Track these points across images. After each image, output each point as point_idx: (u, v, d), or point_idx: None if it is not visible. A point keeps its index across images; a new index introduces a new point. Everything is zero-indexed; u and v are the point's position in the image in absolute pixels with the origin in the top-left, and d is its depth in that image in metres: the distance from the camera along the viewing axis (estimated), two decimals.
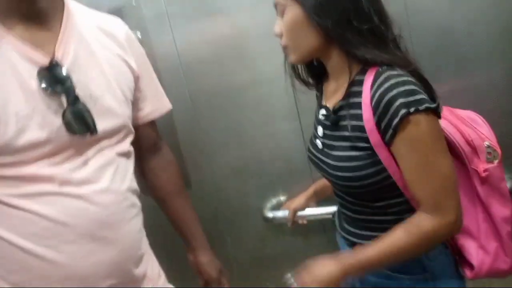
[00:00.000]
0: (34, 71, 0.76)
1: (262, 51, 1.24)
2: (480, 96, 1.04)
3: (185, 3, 1.27)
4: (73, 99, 0.78)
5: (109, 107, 0.85)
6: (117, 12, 1.31)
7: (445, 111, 0.89)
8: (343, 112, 0.84)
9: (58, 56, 0.79)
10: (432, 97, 0.78)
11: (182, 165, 1.40)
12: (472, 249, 0.85)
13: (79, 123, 0.79)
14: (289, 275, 0.92)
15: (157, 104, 1.03)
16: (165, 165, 1.11)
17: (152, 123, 1.06)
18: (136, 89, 0.95)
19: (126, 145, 0.91)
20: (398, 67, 0.78)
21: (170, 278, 1.04)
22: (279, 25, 0.85)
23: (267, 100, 1.27)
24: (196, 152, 1.40)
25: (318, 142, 0.92)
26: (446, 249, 0.88)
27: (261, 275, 1.44)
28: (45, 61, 0.77)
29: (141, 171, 1.08)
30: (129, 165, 0.92)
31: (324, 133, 0.90)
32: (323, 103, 0.94)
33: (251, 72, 1.27)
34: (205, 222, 1.44)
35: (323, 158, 0.89)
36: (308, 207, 1.24)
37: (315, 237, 1.36)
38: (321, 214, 1.25)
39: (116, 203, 0.84)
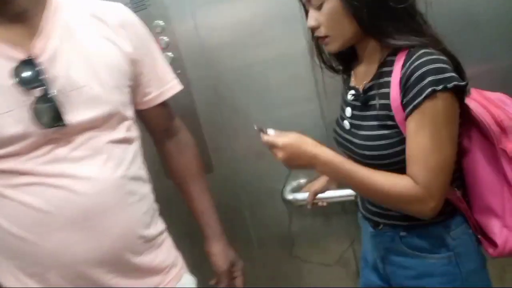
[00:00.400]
0: (10, 68, 0.78)
1: (283, 34, 1.25)
2: (507, 78, 1.04)
3: None
4: (44, 93, 0.79)
5: (96, 96, 0.84)
6: (140, 1, 1.33)
7: (474, 93, 0.90)
8: (372, 92, 0.87)
9: (35, 51, 0.80)
10: (462, 76, 0.79)
11: (204, 148, 1.44)
12: (496, 228, 0.87)
13: (48, 117, 0.79)
14: (255, 126, 0.92)
15: (164, 87, 1.01)
16: (181, 149, 1.10)
17: (163, 107, 1.03)
18: (138, 73, 0.94)
19: (121, 131, 0.89)
20: (430, 47, 0.80)
21: (194, 266, 1.05)
22: (313, 17, 0.87)
23: (288, 83, 1.29)
24: (217, 135, 1.42)
25: (346, 123, 0.94)
26: (469, 229, 0.90)
27: (281, 256, 1.48)
28: (21, 57, 0.79)
29: (160, 155, 1.11)
30: (128, 152, 0.90)
31: (352, 114, 0.93)
32: (352, 84, 0.96)
33: (271, 55, 1.28)
34: (226, 205, 1.48)
35: (351, 138, 0.91)
36: (329, 189, 1.26)
37: (335, 219, 1.38)
38: (341, 196, 1.27)
39: (106, 192, 0.84)
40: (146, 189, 0.94)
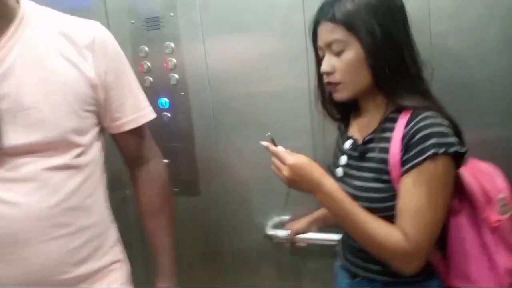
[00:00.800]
0: None
1: (287, 75, 1.29)
2: (499, 149, 1.09)
3: (219, 19, 1.32)
4: None
5: (43, 119, 0.80)
6: (155, 21, 1.37)
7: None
8: (372, 145, 0.89)
9: None
10: (461, 142, 0.83)
11: (195, 171, 1.45)
12: None
13: None
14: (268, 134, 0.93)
15: (135, 114, 0.97)
16: (149, 179, 1.04)
17: (134, 134, 0.99)
18: (103, 98, 0.90)
19: (66, 158, 0.83)
20: (434, 110, 0.84)
21: None
22: (329, 63, 0.88)
23: (285, 121, 1.31)
24: (210, 160, 1.43)
25: (339, 171, 0.96)
26: None
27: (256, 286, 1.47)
28: None
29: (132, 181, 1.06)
30: (72, 180, 0.84)
31: (348, 163, 0.95)
32: (350, 134, 0.98)
33: (273, 91, 1.31)
34: (209, 230, 1.49)
35: (342, 186, 0.92)
36: (310, 231, 1.27)
37: (313, 261, 1.38)
38: (321, 240, 1.28)
39: (28, 220, 0.79)
40: (89, 221, 0.88)
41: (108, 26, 1.45)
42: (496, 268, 0.85)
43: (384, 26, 0.84)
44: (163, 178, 1.07)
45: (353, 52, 0.85)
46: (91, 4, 1.46)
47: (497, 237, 0.86)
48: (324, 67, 0.89)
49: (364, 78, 0.87)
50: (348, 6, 0.84)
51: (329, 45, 0.88)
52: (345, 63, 0.86)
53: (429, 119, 0.81)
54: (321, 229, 1.26)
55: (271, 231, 1.38)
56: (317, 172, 0.86)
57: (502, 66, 1.07)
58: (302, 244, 1.31)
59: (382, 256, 0.84)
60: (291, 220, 1.36)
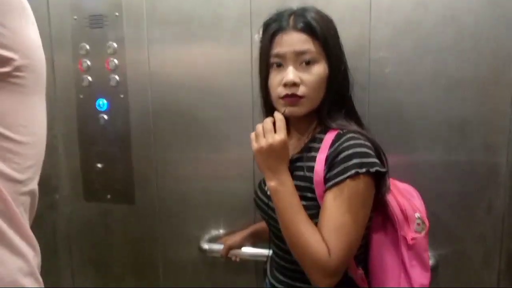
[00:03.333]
0: None
1: (231, 85, 1.28)
2: (424, 173, 1.15)
3: (166, 24, 1.30)
4: None
5: None
6: (98, 19, 1.32)
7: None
8: (299, 163, 0.90)
9: None
10: (382, 163, 0.86)
11: (130, 178, 1.40)
12: None
13: None
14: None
15: None
16: None
17: None
18: None
19: None
20: (357, 132, 0.87)
21: None
22: (296, 74, 0.85)
23: (227, 131, 1.30)
24: (146, 169, 1.39)
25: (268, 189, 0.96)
26: None
27: None
28: None
29: None
30: None
31: None
32: None
33: (214, 105, 1.30)
34: (141, 239, 1.44)
35: (271, 204, 0.91)
36: (243, 246, 1.26)
37: (246, 276, 1.37)
38: (254, 255, 1.27)
39: None
40: None
41: (48, 20, 1.38)
42: (412, 284, 0.89)
43: (341, 49, 0.89)
44: None
45: (322, 68, 0.86)
46: None
47: (413, 254, 0.90)
48: (292, 77, 0.85)
49: (321, 96, 0.88)
50: (324, 25, 0.86)
51: (298, 54, 0.85)
52: (314, 76, 0.86)
53: (353, 140, 0.84)
54: (255, 245, 1.25)
55: (205, 245, 1.35)
56: (287, 162, 0.86)
57: (431, 96, 1.13)
58: (236, 259, 1.29)
59: (304, 260, 0.83)
60: (226, 234, 1.34)
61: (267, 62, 0.89)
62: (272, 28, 0.88)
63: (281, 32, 0.87)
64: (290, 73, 0.85)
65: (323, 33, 0.85)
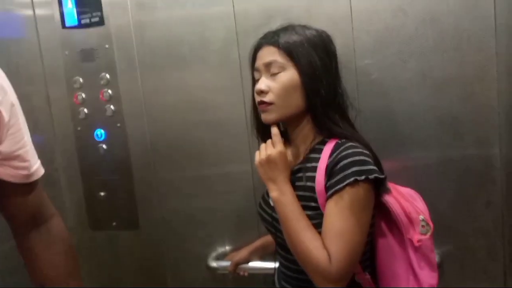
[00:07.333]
0: None
1: (224, 105, 1.31)
2: (418, 176, 1.17)
3: (155, 51, 1.33)
4: None
5: None
6: (89, 52, 1.35)
7: (389, 186, 0.98)
8: (300, 174, 0.93)
9: None
10: (379, 169, 0.88)
11: (133, 203, 1.42)
12: None
13: None
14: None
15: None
16: (50, 242, 0.87)
17: (26, 189, 0.83)
18: None
19: None
20: (355, 141, 0.90)
21: None
22: (265, 83, 0.93)
23: (223, 150, 1.33)
24: (149, 193, 1.41)
25: (271, 200, 0.97)
26: None
27: None
28: None
29: (20, 253, 0.87)
30: None
31: None
32: None
33: (209, 124, 1.32)
34: (148, 264, 1.45)
35: (275, 215, 0.94)
36: (251, 260, 1.27)
37: None
38: (262, 269, 1.27)
39: None
40: None
41: (41, 56, 1.41)
42: (421, 285, 0.90)
43: (321, 59, 0.92)
44: (68, 240, 0.91)
45: (288, 75, 0.91)
46: (25, 34, 1.42)
47: (420, 256, 0.91)
48: (260, 85, 0.93)
49: (295, 103, 0.92)
50: (293, 36, 0.92)
51: (267, 66, 0.93)
52: (280, 84, 0.91)
53: (351, 149, 0.87)
54: (263, 258, 1.27)
55: (213, 263, 1.37)
56: (287, 173, 0.92)
57: (420, 98, 1.16)
58: (244, 274, 1.30)
59: (306, 267, 0.86)
60: (232, 250, 1.35)
61: (253, 77, 0.98)
62: (255, 44, 0.98)
63: (260, 48, 0.96)
64: (260, 82, 0.93)
65: (290, 44, 0.91)
